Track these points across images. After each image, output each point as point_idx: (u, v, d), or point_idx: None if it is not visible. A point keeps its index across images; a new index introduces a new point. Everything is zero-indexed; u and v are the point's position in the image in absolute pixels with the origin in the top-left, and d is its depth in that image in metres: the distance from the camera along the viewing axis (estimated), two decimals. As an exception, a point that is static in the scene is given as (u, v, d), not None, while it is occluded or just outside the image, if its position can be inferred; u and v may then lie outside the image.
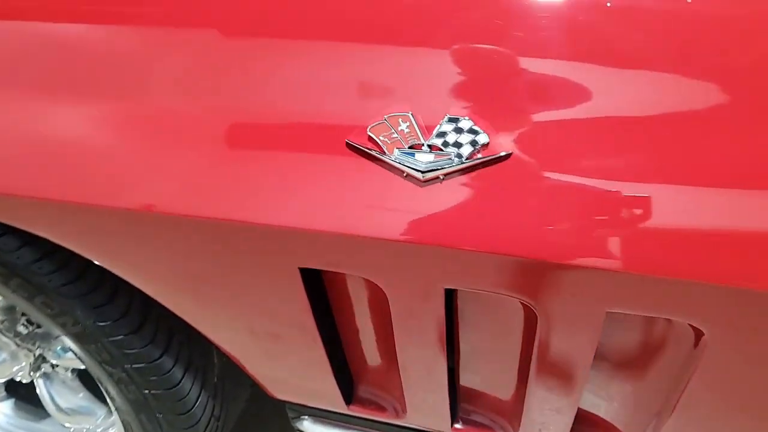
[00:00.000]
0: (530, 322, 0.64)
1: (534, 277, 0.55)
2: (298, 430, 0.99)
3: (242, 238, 0.61)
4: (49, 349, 1.09)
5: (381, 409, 0.89)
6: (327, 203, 0.56)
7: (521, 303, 0.61)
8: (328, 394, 0.86)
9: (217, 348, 1.04)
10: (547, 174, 0.51)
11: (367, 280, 0.66)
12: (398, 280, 0.60)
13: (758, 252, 0.48)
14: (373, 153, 0.54)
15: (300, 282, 0.64)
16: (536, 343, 0.63)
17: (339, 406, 0.88)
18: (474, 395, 0.83)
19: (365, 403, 0.89)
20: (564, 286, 0.55)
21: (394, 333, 0.68)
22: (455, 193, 0.53)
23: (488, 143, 0.52)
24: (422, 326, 0.65)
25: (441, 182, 0.53)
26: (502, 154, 0.52)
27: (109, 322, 0.84)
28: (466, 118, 0.53)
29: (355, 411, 0.89)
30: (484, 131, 0.52)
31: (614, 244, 0.50)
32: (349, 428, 0.95)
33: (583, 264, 0.51)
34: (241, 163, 0.58)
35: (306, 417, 0.97)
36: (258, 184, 0.58)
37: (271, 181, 0.57)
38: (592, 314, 0.57)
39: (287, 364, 0.83)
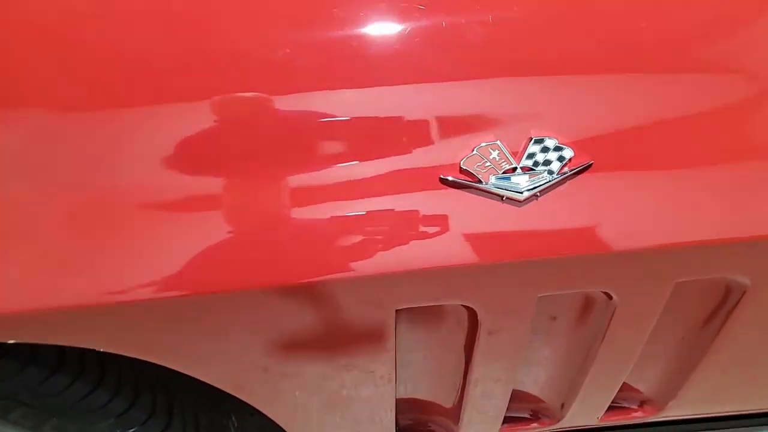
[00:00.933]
0: (604, 313, 0.70)
1: (624, 268, 0.62)
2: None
3: (334, 294, 0.59)
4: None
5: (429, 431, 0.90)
6: (432, 239, 0.57)
7: (603, 294, 0.68)
8: (381, 432, 0.85)
9: (234, 419, 0.96)
10: (628, 175, 0.58)
11: (443, 306, 0.68)
12: (496, 298, 0.63)
13: None
14: (471, 183, 0.57)
15: (393, 324, 0.63)
16: (607, 332, 0.69)
17: (389, 441, 0.88)
18: (521, 394, 0.88)
19: (413, 430, 0.90)
20: (644, 268, 0.62)
21: (476, 351, 0.70)
22: (554, 205, 0.58)
23: (573, 157, 0.58)
24: (510, 339, 0.68)
25: (538, 199, 0.58)
26: (586, 164, 0.58)
27: (136, 427, 0.74)
28: (550, 137, 0.58)
29: (404, 441, 0.89)
30: (568, 147, 0.58)
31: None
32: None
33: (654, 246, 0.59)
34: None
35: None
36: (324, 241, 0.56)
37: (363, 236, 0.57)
38: (661, 290, 0.65)
39: (347, 413, 0.80)
